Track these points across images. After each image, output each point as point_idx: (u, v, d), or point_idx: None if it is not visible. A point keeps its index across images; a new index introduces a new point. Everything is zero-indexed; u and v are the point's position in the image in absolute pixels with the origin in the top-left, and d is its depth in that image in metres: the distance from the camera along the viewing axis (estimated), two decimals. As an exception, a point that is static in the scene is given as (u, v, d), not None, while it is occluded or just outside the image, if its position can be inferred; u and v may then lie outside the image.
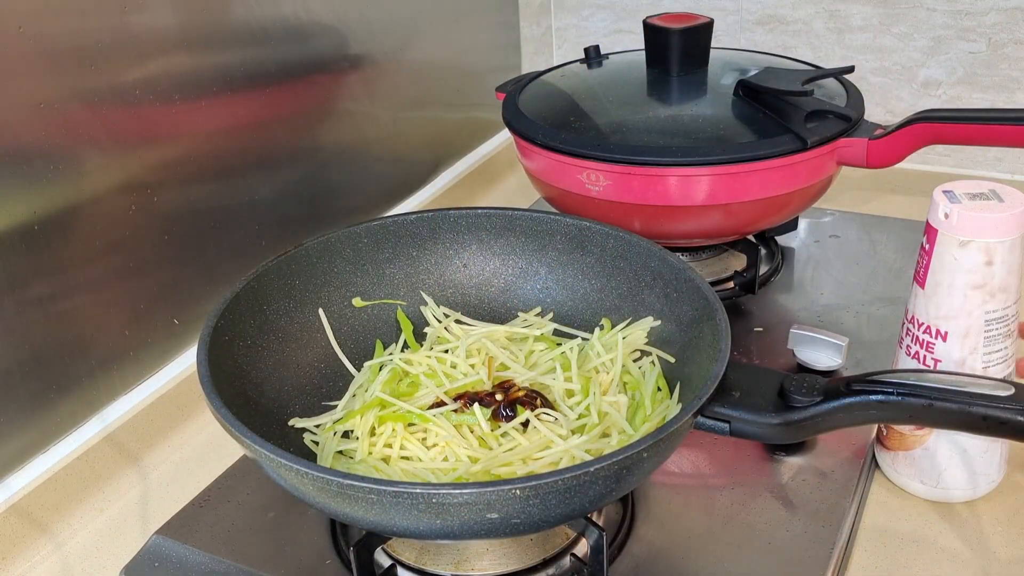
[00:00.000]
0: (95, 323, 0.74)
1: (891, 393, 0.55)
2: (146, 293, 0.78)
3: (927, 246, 0.63)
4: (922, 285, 0.64)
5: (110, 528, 0.71)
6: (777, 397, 0.57)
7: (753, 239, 0.96)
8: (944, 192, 0.62)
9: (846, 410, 0.56)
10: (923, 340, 0.65)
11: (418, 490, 0.48)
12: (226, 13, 0.81)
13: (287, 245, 0.71)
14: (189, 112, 0.79)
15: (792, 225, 0.97)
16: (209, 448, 0.78)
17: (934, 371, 0.55)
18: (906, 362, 0.67)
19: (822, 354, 0.78)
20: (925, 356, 0.65)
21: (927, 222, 0.64)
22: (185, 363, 0.81)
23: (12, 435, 0.69)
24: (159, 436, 0.78)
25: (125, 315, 0.76)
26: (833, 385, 0.57)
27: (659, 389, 0.66)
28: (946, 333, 0.63)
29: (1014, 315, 0.63)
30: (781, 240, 0.99)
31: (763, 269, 0.94)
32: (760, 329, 0.86)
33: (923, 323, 0.65)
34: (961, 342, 0.63)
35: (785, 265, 0.97)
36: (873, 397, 0.55)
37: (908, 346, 0.67)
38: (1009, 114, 0.81)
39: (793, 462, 0.70)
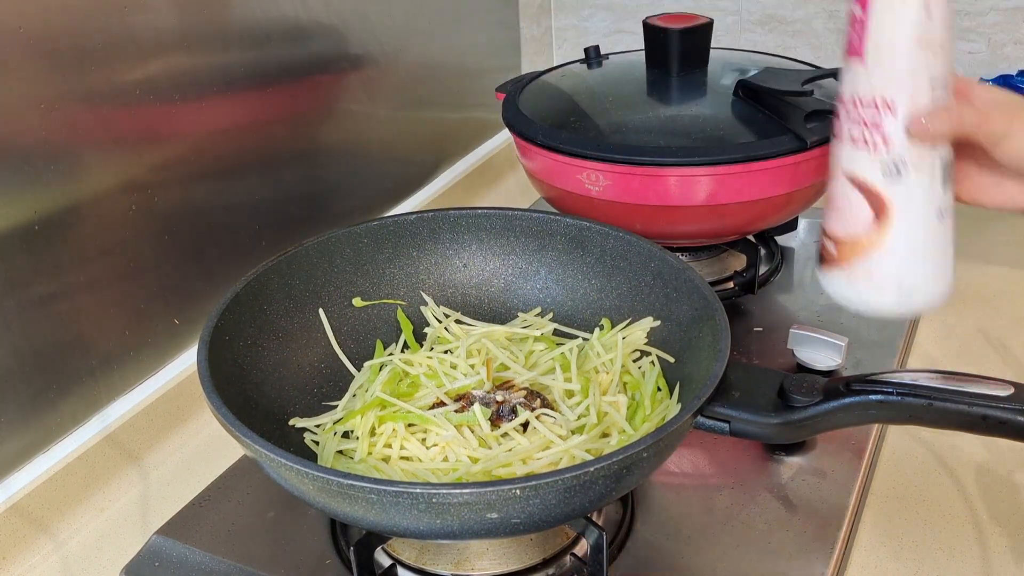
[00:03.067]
0: (95, 323, 0.74)
1: (890, 393, 0.55)
2: (146, 293, 0.78)
3: (860, 12, 0.59)
4: (861, 55, 0.59)
5: (110, 528, 0.71)
6: (777, 397, 0.57)
7: (753, 239, 0.96)
8: None
9: (846, 410, 0.56)
10: (870, 119, 0.59)
11: (418, 490, 0.48)
12: (226, 13, 0.81)
13: (287, 245, 0.71)
14: (189, 112, 0.79)
15: (792, 225, 0.97)
16: (209, 448, 0.78)
17: (933, 371, 0.55)
18: (852, 154, 0.61)
19: (822, 354, 0.78)
20: (874, 139, 0.59)
21: None
22: (185, 363, 0.81)
23: (12, 435, 0.69)
24: (159, 436, 0.78)
25: (125, 315, 0.76)
26: (833, 385, 0.57)
27: (659, 389, 0.66)
28: (894, 101, 0.58)
29: (952, 78, 0.60)
30: (781, 240, 0.99)
31: (763, 269, 0.94)
32: (760, 329, 0.86)
33: (867, 99, 0.59)
34: (910, 109, 0.58)
35: (785, 265, 0.97)
36: (873, 397, 0.55)
37: (852, 135, 0.60)
38: (1009, 114, 0.81)
39: (793, 462, 0.70)
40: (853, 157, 0.61)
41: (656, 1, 1.25)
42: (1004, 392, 0.54)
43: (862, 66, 0.59)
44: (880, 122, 0.59)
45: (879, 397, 0.55)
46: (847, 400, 0.56)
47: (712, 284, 0.75)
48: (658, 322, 0.68)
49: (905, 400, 0.55)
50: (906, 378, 0.55)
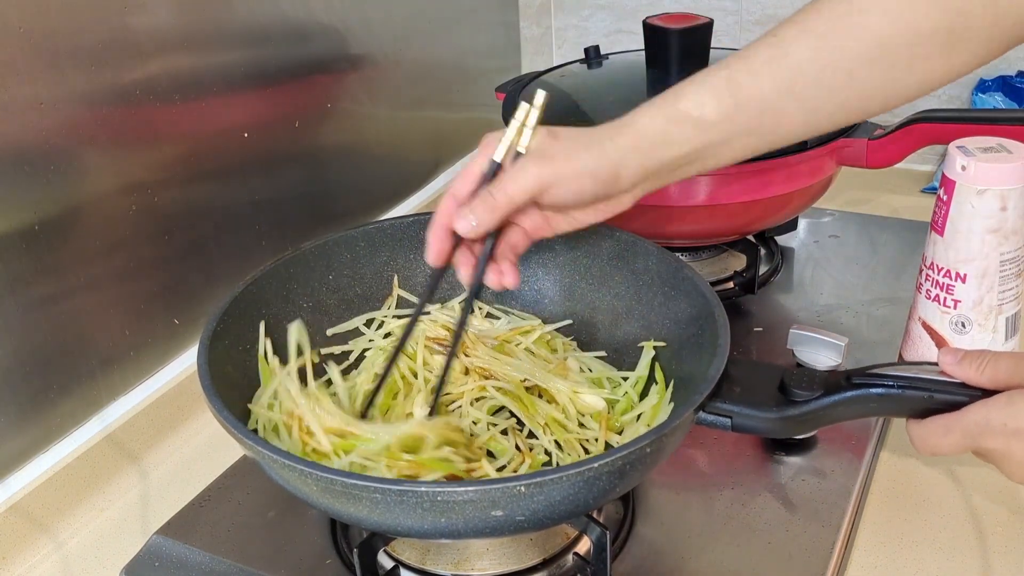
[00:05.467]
0: (95, 323, 0.74)
1: (891, 386, 0.55)
2: (146, 293, 0.78)
3: (944, 197, 0.68)
4: (941, 233, 0.69)
5: (110, 528, 0.71)
6: (778, 392, 0.57)
7: (753, 239, 0.96)
8: (958, 147, 0.67)
9: (846, 404, 0.56)
10: (943, 283, 0.70)
11: (423, 488, 0.48)
12: (226, 13, 0.81)
13: (287, 245, 0.71)
14: (189, 112, 0.79)
15: (792, 225, 0.97)
16: (209, 448, 0.78)
17: (933, 364, 0.55)
18: (926, 305, 0.72)
19: (821, 354, 0.78)
20: (945, 298, 0.70)
21: (943, 175, 0.68)
22: (185, 363, 0.81)
23: (12, 435, 0.69)
24: (159, 436, 0.78)
25: (125, 315, 0.76)
26: (833, 379, 0.57)
27: (655, 382, 0.66)
28: (965, 275, 0.68)
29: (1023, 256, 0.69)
30: (781, 240, 0.99)
31: (763, 269, 0.94)
32: (760, 329, 0.86)
33: (943, 267, 0.69)
34: (979, 282, 0.68)
35: (785, 265, 0.97)
36: (873, 391, 0.55)
37: (928, 290, 0.71)
38: (1009, 114, 0.81)
39: (793, 462, 0.70)
40: (927, 307, 0.72)
41: (656, 1, 1.25)
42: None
43: (941, 240, 0.69)
44: (952, 288, 0.70)
45: (880, 391, 0.55)
46: (848, 394, 0.56)
47: (712, 284, 0.75)
48: (662, 343, 0.68)
49: (905, 393, 0.55)
50: (906, 371, 0.55)
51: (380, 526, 0.53)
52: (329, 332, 0.71)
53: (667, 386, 0.65)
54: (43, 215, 0.68)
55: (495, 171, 0.59)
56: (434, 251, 0.60)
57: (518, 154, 0.58)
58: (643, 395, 0.66)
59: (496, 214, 0.57)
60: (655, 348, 0.67)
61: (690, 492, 0.68)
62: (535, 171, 0.57)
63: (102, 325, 0.74)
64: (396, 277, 0.74)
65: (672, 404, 0.63)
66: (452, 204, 0.59)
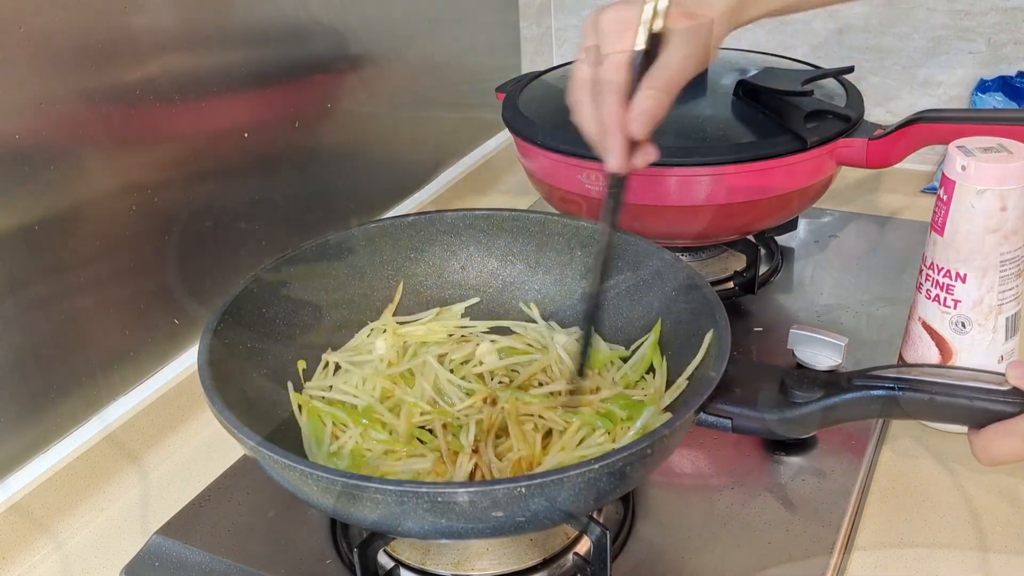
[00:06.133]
0: (95, 323, 0.74)
1: (892, 388, 0.55)
2: (146, 293, 0.78)
3: (944, 197, 0.68)
4: (941, 233, 0.69)
5: (110, 528, 0.71)
6: (778, 393, 0.57)
7: (753, 239, 0.96)
8: (958, 147, 0.67)
9: (847, 405, 0.56)
10: (943, 283, 0.70)
11: (423, 489, 0.48)
12: (226, 13, 0.81)
13: (287, 245, 0.71)
14: (189, 112, 0.79)
15: (792, 225, 0.97)
16: (209, 448, 0.78)
17: (934, 365, 0.55)
18: (926, 305, 0.72)
19: (822, 354, 0.78)
20: (945, 298, 0.70)
21: (943, 174, 0.68)
22: (185, 363, 0.81)
23: (12, 435, 0.69)
24: (159, 436, 0.78)
25: (125, 315, 0.76)
26: (834, 380, 0.57)
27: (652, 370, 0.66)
28: (965, 275, 0.68)
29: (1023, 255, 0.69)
30: (781, 240, 0.99)
31: (763, 269, 0.94)
32: (760, 329, 0.86)
33: (943, 267, 0.69)
34: (979, 282, 0.68)
35: (785, 265, 0.97)
36: (874, 392, 0.55)
37: (928, 290, 0.71)
38: (1009, 114, 0.81)
39: (793, 462, 0.70)
40: (927, 307, 0.72)
41: (655, 1, 1.24)
42: (1005, 386, 0.54)
43: (941, 240, 0.69)
44: (952, 288, 0.69)
45: (881, 393, 0.55)
46: (849, 396, 0.56)
47: (712, 284, 0.75)
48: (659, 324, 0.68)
49: (907, 395, 0.55)
50: (907, 373, 0.55)
51: (380, 526, 0.53)
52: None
53: (663, 359, 0.65)
54: (43, 215, 0.68)
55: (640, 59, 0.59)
56: (621, 156, 0.59)
57: (653, 35, 0.59)
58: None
59: (665, 108, 0.59)
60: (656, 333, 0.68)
61: (690, 492, 0.68)
62: (693, 56, 0.59)
63: (102, 325, 0.74)
64: (401, 282, 0.74)
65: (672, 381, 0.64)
66: (622, 104, 0.59)
